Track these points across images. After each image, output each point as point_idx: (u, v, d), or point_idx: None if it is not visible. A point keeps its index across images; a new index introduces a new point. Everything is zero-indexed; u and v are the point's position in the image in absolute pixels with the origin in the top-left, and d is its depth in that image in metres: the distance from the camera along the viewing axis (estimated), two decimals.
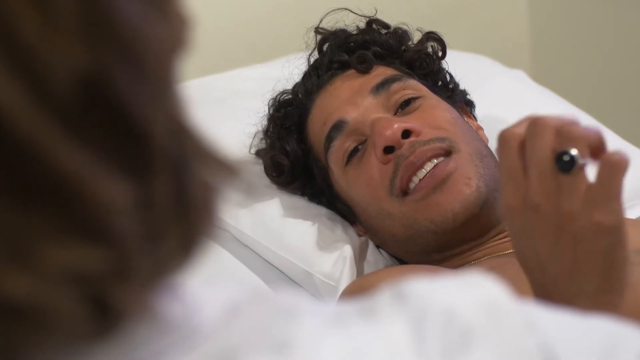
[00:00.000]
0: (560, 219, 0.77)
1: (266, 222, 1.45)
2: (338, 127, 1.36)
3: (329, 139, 1.37)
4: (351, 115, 1.36)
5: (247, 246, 1.47)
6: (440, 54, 1.48)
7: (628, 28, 2.26)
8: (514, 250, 0.81)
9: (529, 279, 0.81)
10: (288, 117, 1.45)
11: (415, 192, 1.28)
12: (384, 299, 0.55)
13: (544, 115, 0.77)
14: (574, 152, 0.75)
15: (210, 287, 0.53)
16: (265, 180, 1.49)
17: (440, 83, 1.47)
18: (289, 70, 1.49)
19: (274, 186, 1.48)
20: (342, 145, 1.36)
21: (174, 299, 0.50)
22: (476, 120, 1.49)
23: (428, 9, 2.24)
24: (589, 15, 2.34)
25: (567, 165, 0.75)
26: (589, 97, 2.28)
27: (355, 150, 1.35)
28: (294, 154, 1.43)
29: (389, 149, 1.30)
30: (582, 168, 0.76)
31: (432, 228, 1.29)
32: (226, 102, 1.64)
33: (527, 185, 0.78)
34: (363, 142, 1.34)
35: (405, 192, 1.30)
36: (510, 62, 1.91)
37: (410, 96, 1.36)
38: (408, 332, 0.53)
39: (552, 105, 1.68)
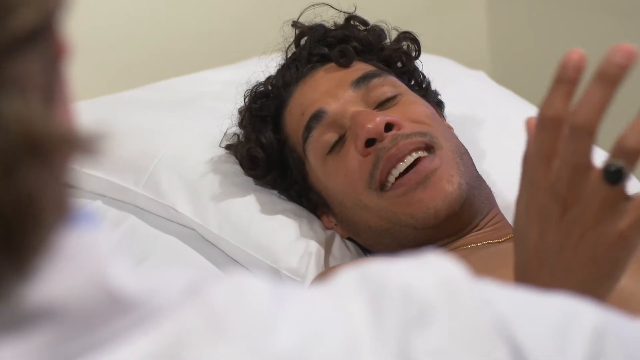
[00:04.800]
0: (582, 218, 0.73)
1: (232, 220, 1.44)
2: (317, 117, 1.36)
3: (308, 128, 1.36)
4: (331, 106, 1.35)
5: (213, 244, 1.47)
6: (414, 53, 1.49)
7: (583, 30, 2.30)
8: (514, 224, 0.76)
9: (516, 259, 0.77)
10: (264, 108, 1.44)
11: (396, 187, 1.28)
12: (343, 279, 0.56)
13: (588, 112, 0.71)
14: (621, 164, 0.70)
15: (170, 269, 0.54)
16: (233, 178, 1.48)
17: (413, 82, 1.47)
18: (262, 68, 1.48)
19: (240, 184, 1.48)
20: (320, 135, 1.35)
21: (133, 279, 0.51)
22: (445, 120, 1.49)
23: (391, 14, 2.26)
24: (545, 19, 2.37)
25: (614, 178, 0.71)
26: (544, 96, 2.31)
27: (337, 142, 1.34)
28: (270, 145, 1.42)
29: (370, 142, 1.29)
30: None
31: (412, 223, 1.29)
32: (192, 103, 1.64)
33: (559, 173, 0.73)
34: (343, 135, 1.34)
35: (383, 186, 1.30)
36: (470, 63, 1.93)
37: (389, 95, 1.36)
38: (367, 310, 0.54)
39: (512, 105, 1.70)
